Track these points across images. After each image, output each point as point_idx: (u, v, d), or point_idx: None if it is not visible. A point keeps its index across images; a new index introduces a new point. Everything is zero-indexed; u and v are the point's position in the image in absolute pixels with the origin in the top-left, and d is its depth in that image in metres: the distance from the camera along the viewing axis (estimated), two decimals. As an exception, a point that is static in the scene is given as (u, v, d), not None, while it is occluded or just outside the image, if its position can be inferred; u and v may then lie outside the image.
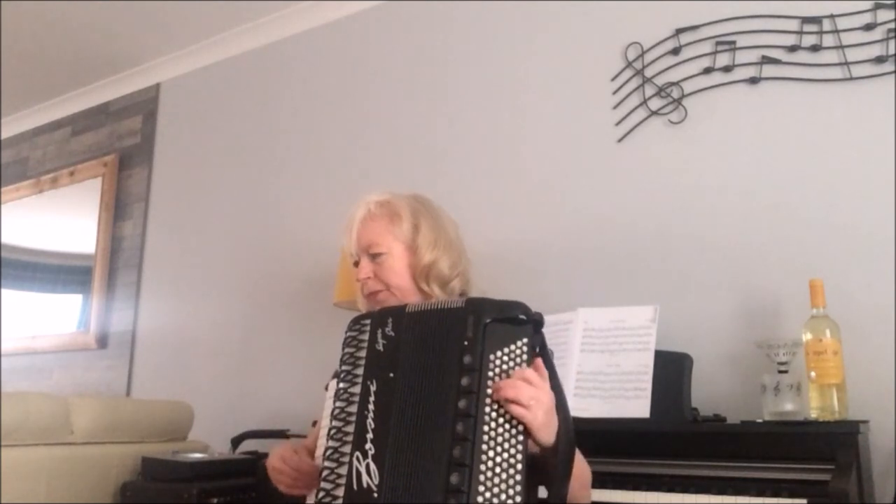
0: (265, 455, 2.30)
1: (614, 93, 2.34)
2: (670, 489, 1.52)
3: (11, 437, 1.90)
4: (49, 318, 3.87)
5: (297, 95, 3.17)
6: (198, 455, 2.24)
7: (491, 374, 1.14)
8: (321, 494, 1.16)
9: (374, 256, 1.48)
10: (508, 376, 1.14)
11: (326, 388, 1.35)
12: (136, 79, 3.80)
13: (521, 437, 1.11)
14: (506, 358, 1.16)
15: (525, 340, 1.18)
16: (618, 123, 2.31)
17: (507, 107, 2.58)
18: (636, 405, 1.75)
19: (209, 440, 2.58)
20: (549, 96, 2.48)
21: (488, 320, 1.18)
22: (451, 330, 1.19)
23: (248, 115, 3.32)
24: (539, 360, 1.17)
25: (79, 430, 2.10)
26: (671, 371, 1.79)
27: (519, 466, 1.09)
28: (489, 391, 1.13)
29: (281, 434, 2.46)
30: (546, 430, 1.14)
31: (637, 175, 2.25)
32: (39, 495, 1.92)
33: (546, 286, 2.30)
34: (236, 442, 2.52)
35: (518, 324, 1.19)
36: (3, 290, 4.06)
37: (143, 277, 3.53)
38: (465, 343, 1.17)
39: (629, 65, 2.33)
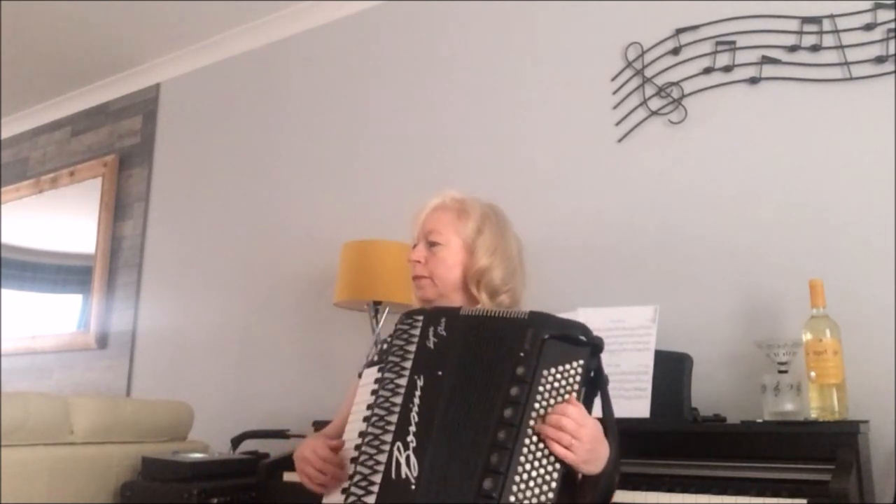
0: (265, 455, 2.31)
1: (614, 93, 2.34)
2: (670, 489, 1.52)
3: (11, 437, 1.90)
4: (49, 318, 3.87)
5: (297, 95, 3.17)
6: (198, 455, 2.24)
7: (541, 388, 1.15)
8: (357, 478, 1.17)
9: (432, 244, 1.50)
10: (559, 394, 1.15)
11: (360, 376, 1.35)
12: (136, 79, 3.80)
13: None
14: (558, 376, 1.16)
15: (581, 362, 1.18)
16: (618, 123, 2.31)
17: (507, 107, 2.58)
18: (636, 405, 1.74)
19: (209, 440, 2.58)
20: (549, 96, 2.48)
21: (546, 336, 1.19)
22: (509, 339, 1.20)
23: (248, 115, 3.32)
24: (572, 395, 1.16)
25: (79, 430, 2.10)
26: (671, 371, 1.79)
27: (553, 484, 1.10)
28: (536, 405, 1.14)
29: (281, 434, 2.46)
30: (588, 465, 1.14)
31: (637, 175, 2.25)
32: (39, 495, 1.92)
33: (546, 286, 2.29)
34: (236, 442, 2.52)
35: (576, 344, 1.20)
36: (3, 290, 4.06)
37: (143, 277, 3.53)
38: (521, 355, 1.18)
39: (629, 65, 2.33)
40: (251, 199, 3.22)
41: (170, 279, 3.42)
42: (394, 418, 1.19)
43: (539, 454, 1.11)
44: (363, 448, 1.19)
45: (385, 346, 1.33)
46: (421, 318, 1.30)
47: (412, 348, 1.27)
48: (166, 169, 3.62)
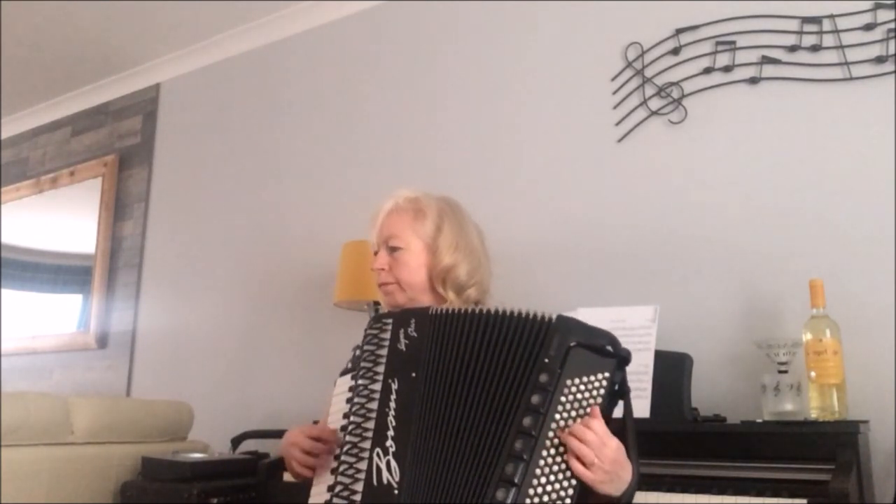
0: (265, 455, 2.31)
1: (614, 93, 2.34)
2: (670, 489, 1.52)
3: (11, 437, 1.90)
4: (49, 318, 3.87)
5: (297, 95, 3.17)
6: (198, 455, 2.24)
7: (563, 399, 1.11)
8: (339, 488, 1.16)
9: (392, 250, 1.48)
10: (581, 406, 1.11)
11: (335, 385, 1.34)
12: (136, 79, 3.80)
13: None
14: (582, 387, 1.12)
15: (606, 374, 1.13)
16: (618, 123, 2.31)
17: (507, 107, 2.58)
18: (636, 405, 1.74)
19: (209, 440, 2.58)
20: (549, 96, 2.48)
21: (573, 343, 1.14)
22: (530, 343, 1.16)
23: (248, 114, 3.32)
24: (596, 409, 1.10)
25: (79, 430, 2.10)
26: (671, 371, 1.79)
27: (568, 501, 1.07)
28: (556, 416, 1.10)
29: (281, 434, 2.45)
30: (605, 486, 1.10)
31: (637, 175, 2.25)
32: (39, 495, 1.92)
33: (546, 286, 2.30)
34: (236, 442, 2.52)
35: (603, 355, 1.14)
36: (3, 290, 4.05)
37: (143, 277, 3.53)
38: (546, 361, 1.13)
39: (629, 65, 2.33)
40: (251, 199, 3.22)
41: (170, 279, 3.42)
42: (371, 424, 1.18)
43: (556, 468, 1.07)
44: (342, 457, 1.18)
45: (357, 352, 1.30)
46: (390, 321, 1.28)
47: (384, 352, 1.25)
48: (166, 169, 3.62)
